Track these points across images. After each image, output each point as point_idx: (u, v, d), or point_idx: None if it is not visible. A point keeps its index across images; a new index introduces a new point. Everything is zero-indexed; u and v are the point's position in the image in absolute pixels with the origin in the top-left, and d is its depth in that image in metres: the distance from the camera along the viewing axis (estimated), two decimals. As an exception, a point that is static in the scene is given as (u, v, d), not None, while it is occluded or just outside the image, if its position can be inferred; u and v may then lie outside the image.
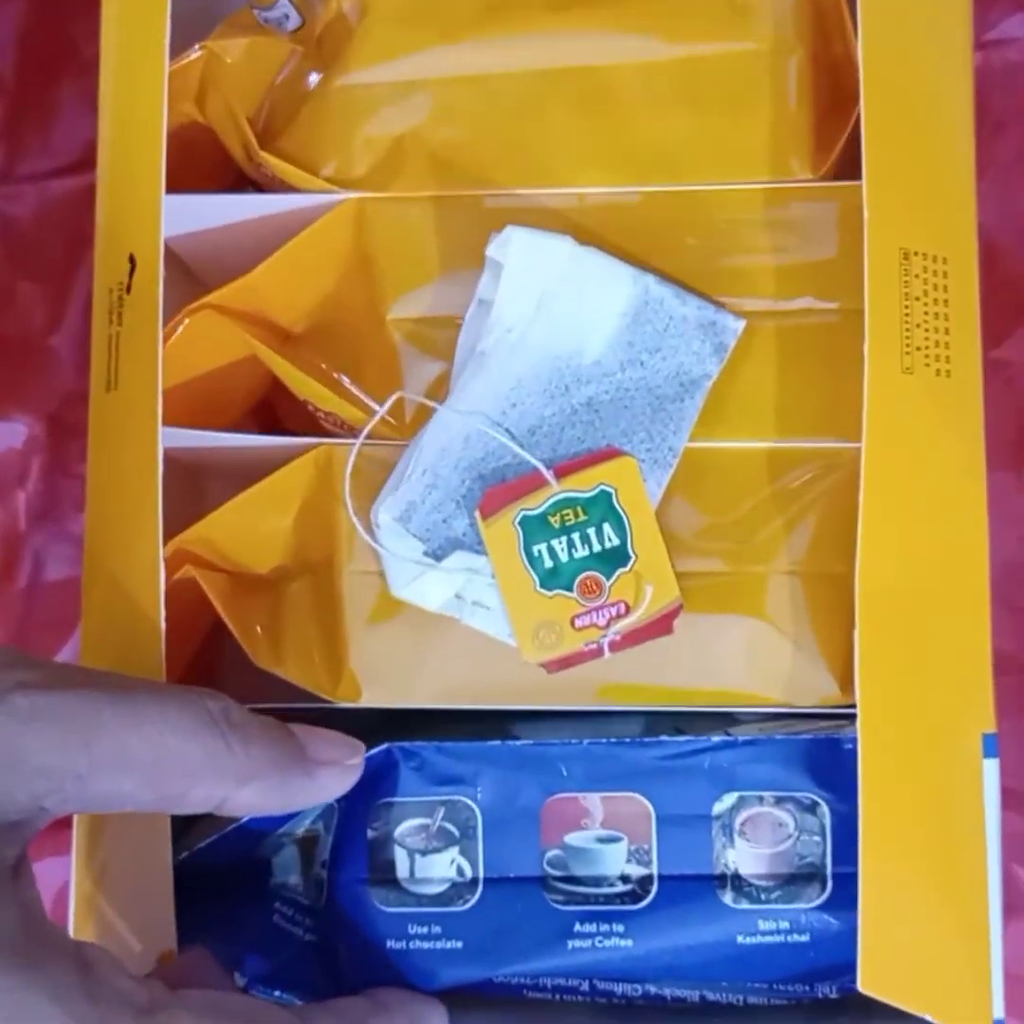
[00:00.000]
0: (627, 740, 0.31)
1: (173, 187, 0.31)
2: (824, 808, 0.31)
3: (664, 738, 0.31)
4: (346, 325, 0.33)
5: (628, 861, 0.31)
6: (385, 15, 0.33)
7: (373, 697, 0.32)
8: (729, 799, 0.31)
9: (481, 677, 0.32)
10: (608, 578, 0.31)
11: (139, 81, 0.31)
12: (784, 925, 0.31)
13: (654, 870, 0.31)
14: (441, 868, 0.32)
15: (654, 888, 0.31)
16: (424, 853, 0.32)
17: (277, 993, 0.31)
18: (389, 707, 0.32)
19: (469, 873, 0.32)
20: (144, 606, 0.30)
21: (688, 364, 0.31)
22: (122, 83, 0.32)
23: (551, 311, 0.31)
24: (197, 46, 0.33)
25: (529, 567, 0.31)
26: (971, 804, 0.29)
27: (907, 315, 0.30)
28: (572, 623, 0.31)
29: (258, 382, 0.36)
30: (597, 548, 0.31)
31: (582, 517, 0.31)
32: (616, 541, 0.31)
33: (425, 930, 0.31)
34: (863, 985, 0.28)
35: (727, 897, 0.31)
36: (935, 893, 0.29)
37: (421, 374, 0.32)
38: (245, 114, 0.34)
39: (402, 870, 0.32)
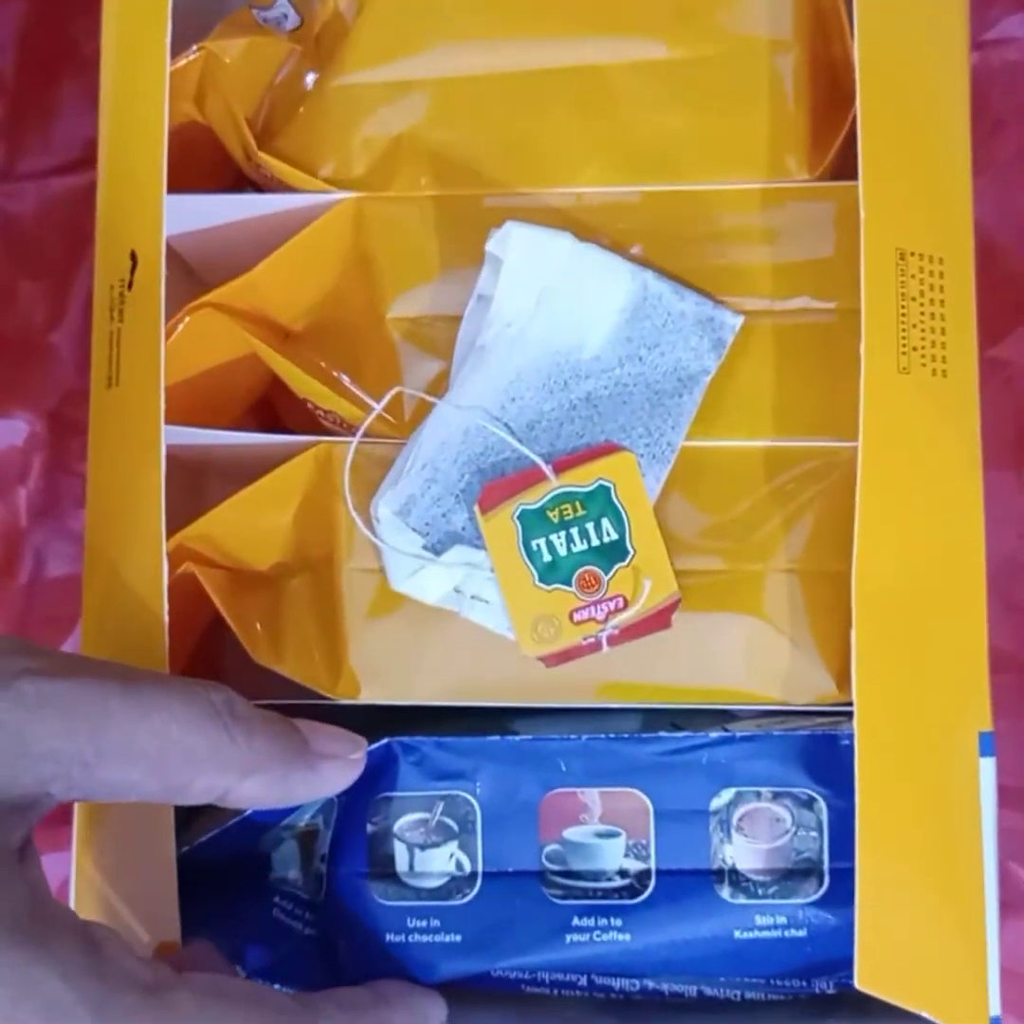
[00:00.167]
0: (626, 736, 0.32)
1: (173, 187, 0.31)
2: (821, 804, 0.31)
3: (662, 734, 0.31)
4: (346, 323, 0.34)
5: (626, 856, 0.32)
6: (382, 15, 0.33)
7: (372, 694, 0.32)
8: (727, 794, 0.31)
9: (480, 674, 0.32)
10: (606, 572, 0.31)
11: (140, 78, 0.31)
12: (781, 920, 0.31)
13: (652, 865, 0.31)
14: (440, 862, 0.32)
15: (652, 883, 0.31)
16: (423, 847, 0.32)
17: (277, 986, 0.31)
18: (389, 704, 0.32)
19: (468, 867, 0.32)
20: (146, 602, 0.30)
21: (686, 360, 0.31)
22: (123, 79, 0.32)
23: (550, 307, 0.31)
24: (195, 47, 0.33)
25: (528, 561, 0.31)
26: (968, 802, 0.29)
27: (903, 315, 0.30)
28: (571, 617, 0.31)
29: (258, 380, 0.36)
30: (595, 543, 0.31)
31: (581, 512, 0.31)
32: (614, 536, 0.31)
33: (424, 923, 0.31)
34: (860, 982, 0.28)
35: (725, 892, 0.31)
36: (932, 890, 0.29)
37: (420, 372, 0.32)
38: (244, 114, 0.34)
39: (401, 864, 0.32)
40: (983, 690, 0.30)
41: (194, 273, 0.38)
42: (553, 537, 0.31)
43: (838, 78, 0.32)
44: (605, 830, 0.32)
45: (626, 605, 0.31)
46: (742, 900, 0.31)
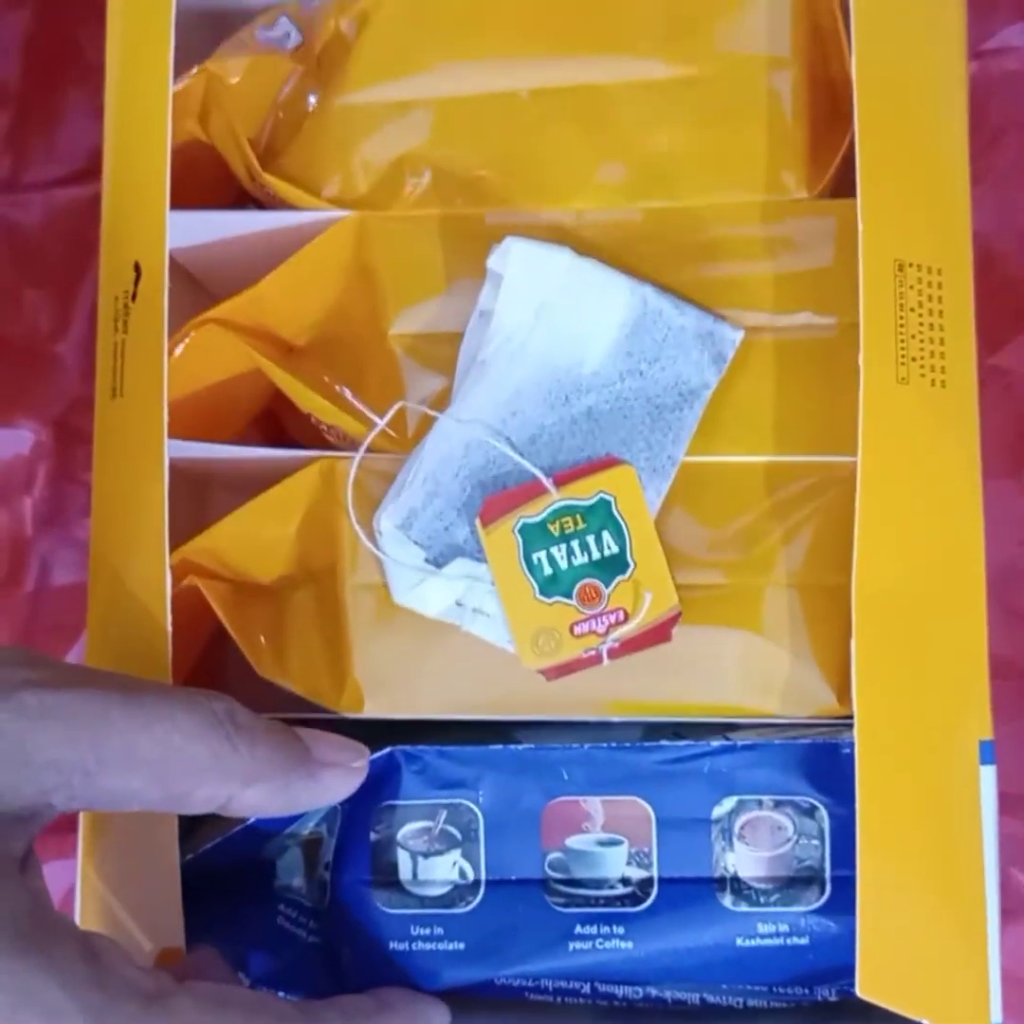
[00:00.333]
0: (628, 744, 0.32)
1: (175, 204, 0.31)
2: (823, 812, 0.31)
3: (664, 742, 0.32)
4: (349, 338, 0.34)
5: (629, 864, 0.32)
6: (383, 34, 0.33)
7: (377, 707, 0.32)
8: (728, 803, 0.32)
9: (483, 689, 0.32)
10: (607, 585, 0.31)
11: (143, 93, 0.32)
12: (783, 928, 0.31)
13: (654, 873, 0.32)
14: (443, 870, 0.32)
15: (654, 891, 0.32)
16: (426, 855, 0.32)
17: (280, 994, 0.31)
18: (392, 718, 0.32)
19: (471, 875, 0.32)
20: (150, 611, 0.30)
21: (687, 374, 0.31)
22: (126, 94, 0.32)
23: (550, 321, 0.31)
24: (196, 68, 0.33)
25: (529, 574, 0.31)
26: (968, 810, 0.29)
27: (902, 326, 0.30)
28: (571, 630, 0.31)
29: (262, 393, 0.36)
30: (596, 556, 0.31)
31: (581, 525, 0.31)
32: (615, 549, 0.31)
33: (427, 931, 0.32)
34: (862, 990, 0.28)
35: (727, 900, 0.31)
36: (933, 897, 0.29)
37: (423, 388, 0.32)
38: (247, 133, 0.34)
39: (405, 872, 0.32)
40: (983, 699, 0.30)
41: (198, 284, 0.38)
42: (554, 550, 0.31)
43: (837, 96, 0.32)
44: (607, 838, 0.32)
45: (626, 618, 0.31)
46: (744, 908, 0.31)
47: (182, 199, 0.31)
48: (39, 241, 0.46)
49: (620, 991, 0.32)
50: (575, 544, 0.31)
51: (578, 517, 0.31)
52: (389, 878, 0.32)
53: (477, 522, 0.31)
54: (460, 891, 0.32)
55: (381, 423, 0.32)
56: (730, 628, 0.31)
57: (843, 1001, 0.31)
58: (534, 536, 0.31)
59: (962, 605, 0.30)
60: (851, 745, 0.29)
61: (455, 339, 0.32)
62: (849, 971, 0.28)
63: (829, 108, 0.32)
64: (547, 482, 0.31)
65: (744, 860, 0.31)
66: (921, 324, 0.30)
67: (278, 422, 0.39)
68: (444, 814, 0.32)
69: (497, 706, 0.32)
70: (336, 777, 0.29)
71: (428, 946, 0.32)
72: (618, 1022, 0.32)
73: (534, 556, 0.31)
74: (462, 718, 0.32)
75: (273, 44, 0.33)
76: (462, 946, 0.31)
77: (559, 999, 0.32)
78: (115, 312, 0.32)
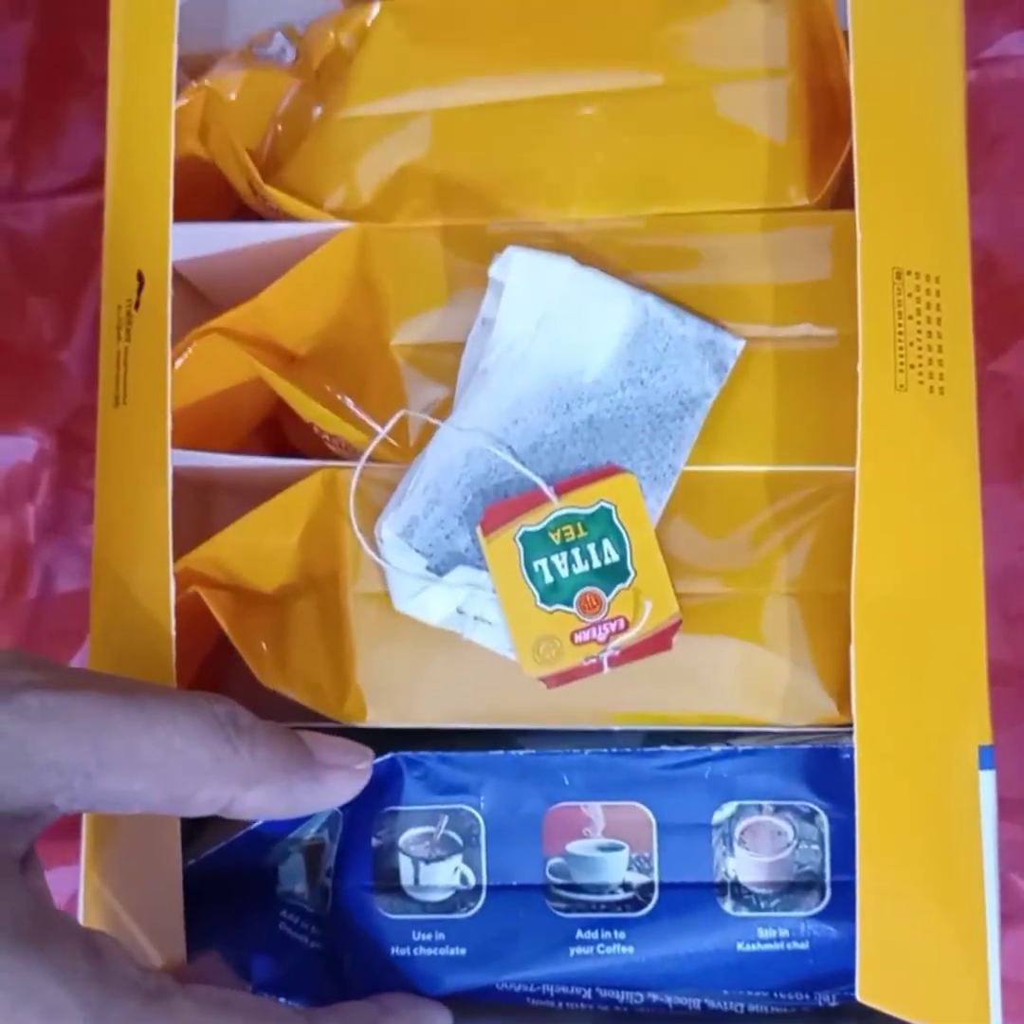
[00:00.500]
0: (628, 750, 0.32)
1: (176, 218, 0.31)
2: (823, 817, 0.31)
3: (665, 748, 0.32)
4: (350, 348, 0.34)
5: (629, 869, 0.32)
6: (383, 48, 0.33)
7: (379, 716, 0.32)
8: (729, 808, 0.32)
9: (485, 698, 0.32)
10: (607, 594, 0.31)
11: (145, 106, 0.32)
12: (783, 933, 0.31)
13: (655, 878, 0.32)
14: (445, 876, 0.32)
15: (655, 896, 0.32)
16: (428, 861, 0.32)
17: (283, 1000, 0.31)
18: (395, 727, 0.32)
19: (472, 881, 0.32)
20: (153, 618, 0.30)
21: (688, 383, 0.31)
22: (129, 101, 0.32)
23: (552, 330, 0.31)
24: (195, 85, 0.34)
25: (530, 582, 0.31)
26: (968, 815, 0.29)
27: (900, 333, 0.30)
28: (572, 638, 0.31)
29: (264, 403, 0.36)
30: (597, 564, 0.31)
31: (582, 533, 0.31)
32: (616, 557, 0.31)
33: (429, 937, 0.32)
34: (862, 995, 0.28)
35: (727, 905, 0.31)
36: (932, 902, 0.29)
37: (424, 398, 0.32)
38: (248, 147, 0.34)
39: (406, 878, 0.32)
40: (983, 705, 0.30)
41: (200, 295, 0.38)
42: (555, 558, 0.31)
43: (836, 105, 0.32)
44: (608, 843, 0.32)
45: (627, 626, 0.31)
46: (744, 913, 0.31)
47: (181, 216, 0.31)
48: (42, 249, 0.47)
49: (621, 996, 0.32)
50: (576, 552, 0.31)
51: (579, 525, 0.31)
52: (391, 884, 0.32)
53: (478, 530, 0.31)
54: (461, 896, 0.32)
55: (383, 432, 0.32)
56: (730, 637, 0.31)
57: (843, 1006, 0.32)
58: (535, 544, 0.31)
59: (961, 611, 0.30)
60: (851, 750, 0.29)
61: (457, 348, 0.32)
62: (849, 976, 0.28)
63: (828, 117, 0.32)
64: (548, 490, 0.31)
65: (744, 865, 0.31)
66: (919, 331, 0.30)
67: (280, 431, 0.39)
68: (445, 820, 0.32)
69: (498, 715, 0.32)
70: (339, 779, 0.29)
71: (430, 951, 0.32)
72: (619, 1027, 0.32)
73: (535, 564, 0.31)
74: (464, 727, 0.32)
75: (269, 59, 0.34)
76: (463, 951, 0.32)
77: (560, 1004, 0.32)
78: (118, 320, 0.32)
